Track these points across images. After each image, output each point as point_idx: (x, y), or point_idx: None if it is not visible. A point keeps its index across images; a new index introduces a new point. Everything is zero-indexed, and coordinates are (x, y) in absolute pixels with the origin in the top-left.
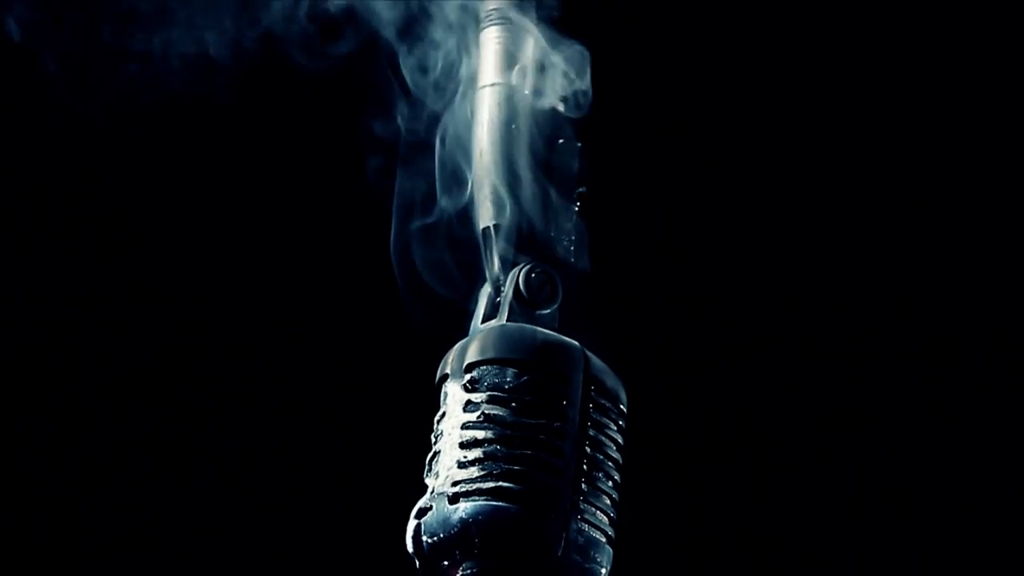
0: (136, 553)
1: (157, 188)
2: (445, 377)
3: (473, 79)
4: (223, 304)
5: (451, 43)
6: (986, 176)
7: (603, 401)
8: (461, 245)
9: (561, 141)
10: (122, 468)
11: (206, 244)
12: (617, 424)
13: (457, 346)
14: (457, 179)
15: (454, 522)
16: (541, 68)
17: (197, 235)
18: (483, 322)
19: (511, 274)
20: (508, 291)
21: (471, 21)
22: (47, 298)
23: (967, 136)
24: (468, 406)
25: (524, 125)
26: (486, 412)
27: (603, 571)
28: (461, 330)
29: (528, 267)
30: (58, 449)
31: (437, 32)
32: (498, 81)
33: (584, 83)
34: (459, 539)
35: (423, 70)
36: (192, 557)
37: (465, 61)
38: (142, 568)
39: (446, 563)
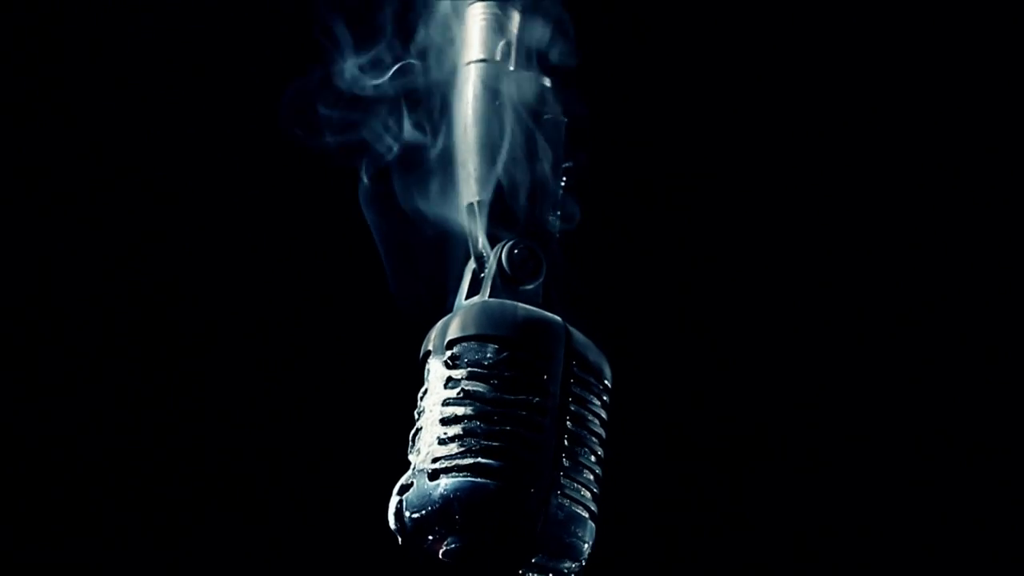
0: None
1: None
2: (428, 354)
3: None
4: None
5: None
6: (986, 176)
7: (585, 376)
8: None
9: (547, 116)
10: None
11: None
12: (601, 399)
13: (440, 323)
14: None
15: (435, 498)
16: (526, 43)
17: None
18: (467, 298)
19: (494, 250)
20: (491, 267)
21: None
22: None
23: (967, 136)
24: (449, 383)
25: (509, 101)
26: (466, 388)
27: (585, 546)
28: (446, 306)
29: (511, 243)
30: (55, 449)
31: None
32: (483, 57)
33: (570, 57)
34: (440, 515)
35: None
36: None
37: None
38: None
39: (429, 538)
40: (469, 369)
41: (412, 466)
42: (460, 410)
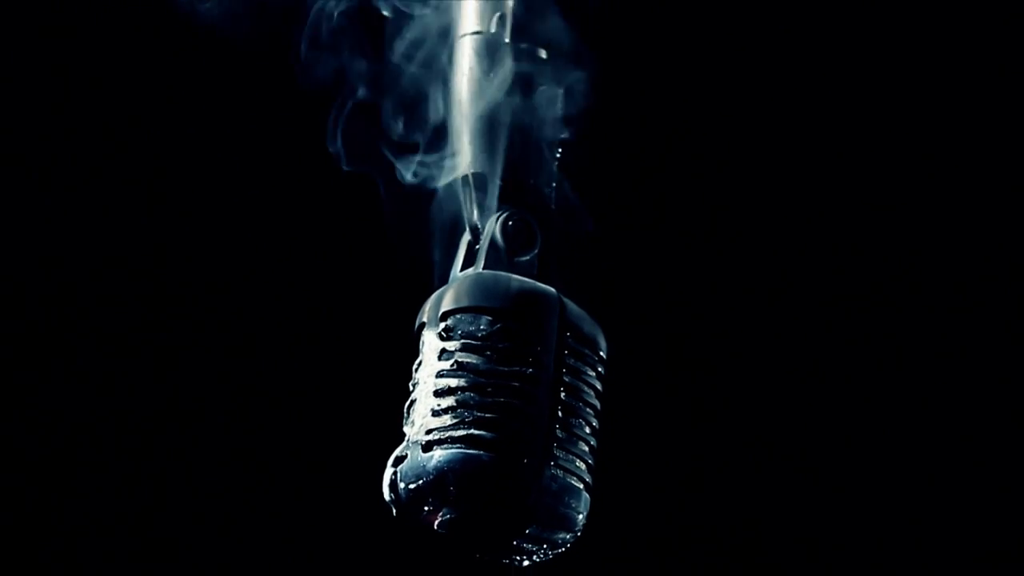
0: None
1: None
2: (422, 326)
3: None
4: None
5: None
6: (987, 176)
7: (580, 347)
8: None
9: (542, 88)
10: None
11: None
12: (595, 370)
13: (434, 294)
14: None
15: (429, 470)
16: (521, 15)
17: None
18: (461, 270)
19: (489, 221)
20: (486, 239)
21: None
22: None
23: (968, 136)
24: (443, 354)
25: (504, 73)
26: (459, 360)
27: (579, 517)
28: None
29: (506, 214)
30: (55, 448)
31: None
32: (478, 29)
33: (565, 29)
34: (434, 487)
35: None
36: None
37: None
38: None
39: (423, 510)
40: (463, 341)
41: (406, 438)
42: (454, 382)
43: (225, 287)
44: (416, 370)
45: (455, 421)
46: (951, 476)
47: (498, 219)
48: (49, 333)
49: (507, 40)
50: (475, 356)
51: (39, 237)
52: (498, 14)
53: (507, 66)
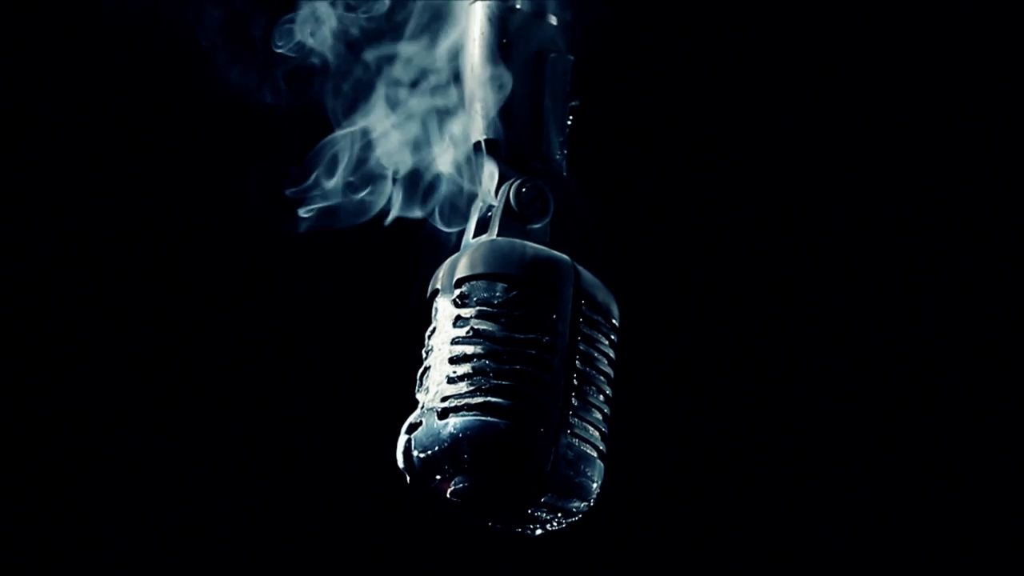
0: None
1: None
2: (436, 292)
3: None
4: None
5: None
6: (987, 177)
7: (594, 315)
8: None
9: (553, 55)
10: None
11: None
12: (609, 338)
13: (448, 261)
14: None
15: (443, 437)
16: None
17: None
18: (474, 237)
19: (502, 189)
20: (499, 206)
21: None
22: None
23: (970, 137)
24: (458, 321)
25: (516, 39)
26: (475, 327)
27: (594, 485)
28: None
29: (519, 182)
30: (53, 448)
31: None
32: None
33: None
34: (449, 454)
35: None
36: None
37: None
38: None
39: (437, 478)
40: (479, 308)
41: (420, 405)
42: (469, 349)
43: (226, 244)
44: (429, 337)
45: (471, 388)
46: (951, 475)
47: (511, 186)
48: (49, 332)
49: (518, 6)
50: (491, 323)
51: (39, 237)
52: None
53: (518, 32)
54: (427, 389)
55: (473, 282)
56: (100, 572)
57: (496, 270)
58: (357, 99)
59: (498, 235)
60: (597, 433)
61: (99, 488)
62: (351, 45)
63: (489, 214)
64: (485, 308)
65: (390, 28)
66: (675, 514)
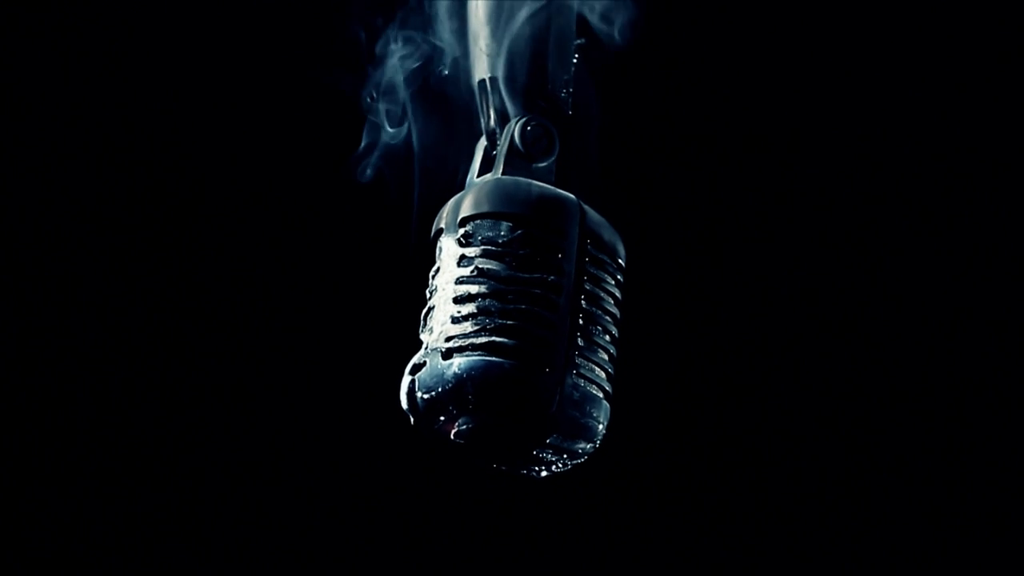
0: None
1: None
2: (440, 231)
3: None
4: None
5: None
6: (989, 177)
7: (600, 254)
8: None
9: None
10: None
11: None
12: (615, 278)
13: (452, 200)
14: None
15: (448, 377)
16: None
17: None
18: (479, 176)
19: (507, 127)
20: (504, 144)
21: None
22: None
23: (977, 139)
24: (462, 261)
25: None
26: (480, 266)
27: (600, 427)
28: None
29: (524, 119)
30: (52, 447)
31: None
32: None
33: None
34: (453, 394)
35: None
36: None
37: None
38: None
39: (441, 419)
40: (483, 247)
41: (424, 345)
42: (474, 288)
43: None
44: (433, 277)
45: (476, 328)
46: (951, 475)
47: (516, 124)
48: (48, 333)
49: None
50: (496, 262)
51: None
52: None
53: None
54: (431, 329)
55: (477, 221)
56: (100, 572)
57: (501, 209)
58: None
59: (503, 174)
60: (603, 374)
61: (99, 487)
62: None
63: (494, 152)
64: (489, 247)
65: None
66: (684, 457)
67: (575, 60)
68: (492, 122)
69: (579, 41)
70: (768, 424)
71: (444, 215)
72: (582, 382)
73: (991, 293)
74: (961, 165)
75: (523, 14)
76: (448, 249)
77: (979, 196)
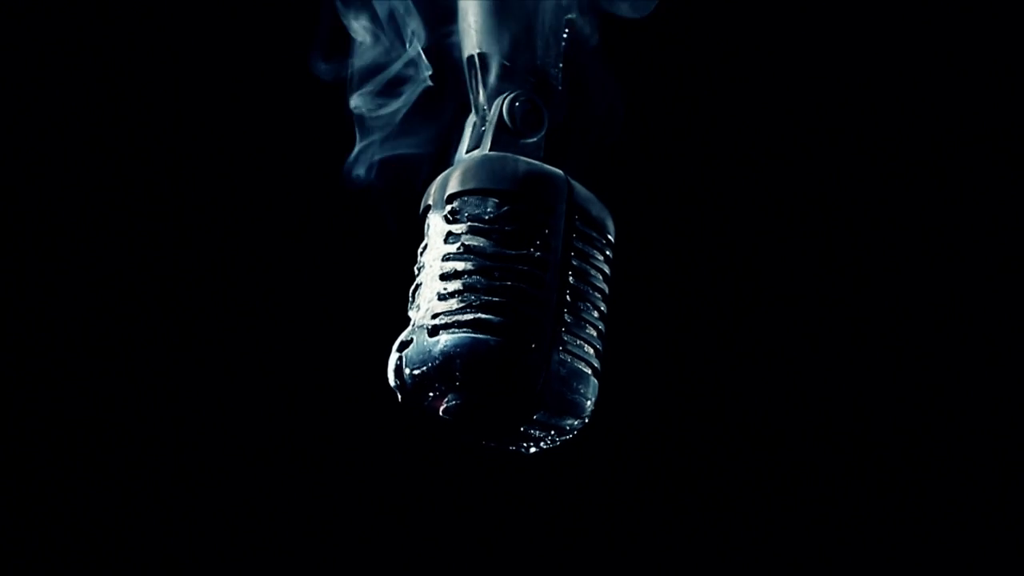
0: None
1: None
2: (428, 208)
3: None
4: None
5: None
6: (988, 177)
7: (588, 230)
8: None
9: None
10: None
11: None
12: (603, 254)
13: (440, 177)
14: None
15: (435, 355)
16: None
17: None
18: (467, 152)
19: (495, 102)
20: (492, 120)
21: None
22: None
23: (978, 138)
24: (449, 237)
25: None
26: (466, 243)
27: (588, 403)
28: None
29: (513, 95)
30: (52, 446)
31: None
32: None
33: None
34: (440, 372)
35: None
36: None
37: None
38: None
39: (429, 396)
40: (470, 223)
41: (412, 322)
42: (460, 265)
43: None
44: (421, 254)
45: (462, 305)
46: (950, 475)
47: (505, 99)
48: (48, 332)
49: None
50: (482, 239)
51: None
52: None
53: None
54: (418, 306)
55: (464, 197)
56: (100, 572)
57: (488, 185)
58: None
59: (491, 149)
60: (591, 350)
61: (99, 487)
62: None
63: (482, 128)
64: (476, 224)
65: None
66: (674, 434)
67: (566, 35)
68: (481, 98)
69: (571, 16)
70: (762, 413)
71: (432, 192)
72: (569, 358)
73: (991, 293)
74: (961, 165)
75: None
76: (435, 226)
77: (979, 196)
